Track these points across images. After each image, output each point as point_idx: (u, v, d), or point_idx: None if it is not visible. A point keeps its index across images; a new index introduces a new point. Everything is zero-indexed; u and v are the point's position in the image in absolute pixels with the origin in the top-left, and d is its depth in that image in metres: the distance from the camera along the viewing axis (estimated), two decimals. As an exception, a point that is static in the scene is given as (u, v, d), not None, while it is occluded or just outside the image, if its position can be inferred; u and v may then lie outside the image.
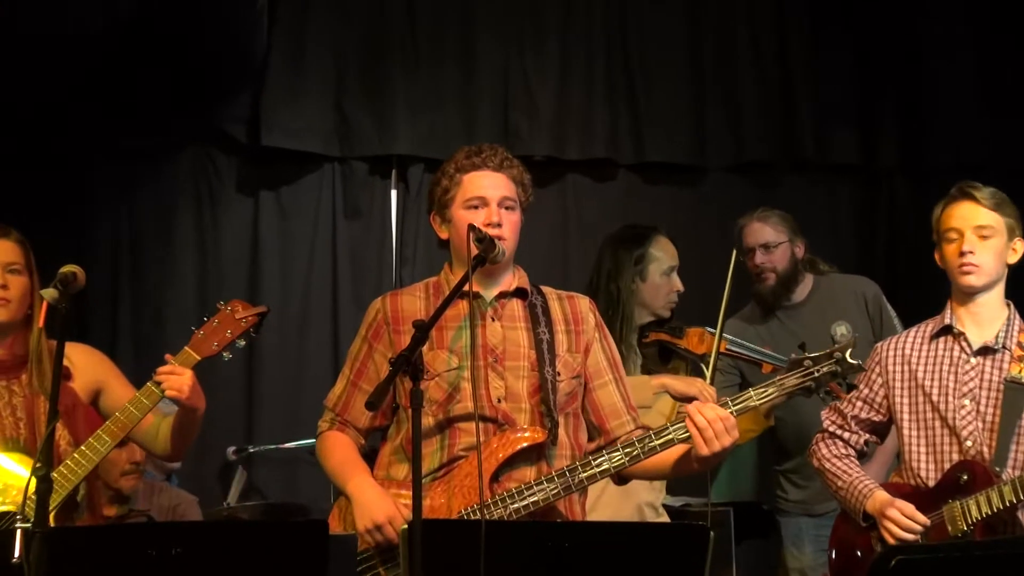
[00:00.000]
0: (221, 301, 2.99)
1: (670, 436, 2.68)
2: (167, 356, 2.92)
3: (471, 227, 2.68)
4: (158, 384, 2.86)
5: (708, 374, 3.61)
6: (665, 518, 3.70)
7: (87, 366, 3.02)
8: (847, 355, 2.68)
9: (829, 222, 5.47)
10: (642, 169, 5.39)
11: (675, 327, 3.74)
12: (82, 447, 2.83)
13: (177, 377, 2.86)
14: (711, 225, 5.03)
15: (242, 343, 2.95)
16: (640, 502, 3.58)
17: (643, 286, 3.69)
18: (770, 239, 4.14)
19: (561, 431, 2.74)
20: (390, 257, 5.22)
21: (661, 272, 3.70)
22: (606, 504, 3.40)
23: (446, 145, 4.96)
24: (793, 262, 4.15)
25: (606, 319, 3.65)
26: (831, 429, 3.27)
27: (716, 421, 2.61)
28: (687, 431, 2.65)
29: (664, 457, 2.72)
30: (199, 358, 2.90)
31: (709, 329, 3.77)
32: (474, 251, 2.66)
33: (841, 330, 4.00)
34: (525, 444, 2.68)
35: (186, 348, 2.91)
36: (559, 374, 2.77)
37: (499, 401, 2.72)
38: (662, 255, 3.73)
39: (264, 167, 5.15)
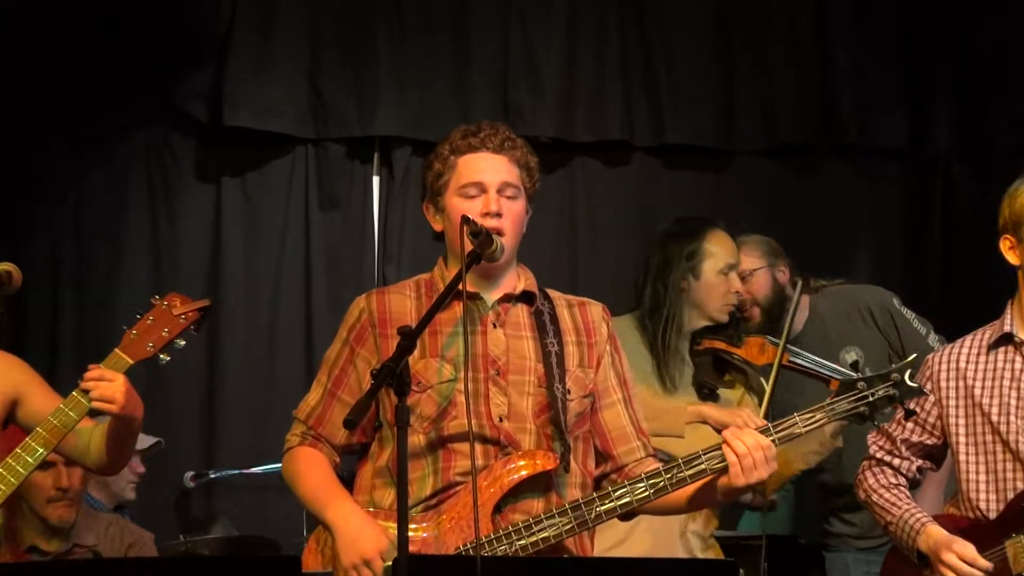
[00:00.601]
0: (156, 295, 2.96)
1: (702, 466, 2.67)
2: (91, 366, 2.87)
3: (465, 219, 2.66)
4: (85, 393, 2.82)
5: (767, 392, 3.58)
6: (717, 551, 3.69)
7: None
8: (906, 377, 2.67)
9: (874, 213, 5.47)
10: (661, 152, 5.38)
11: (732, 334, 3.74)
12: None
13: (107, 384, 2.81)
14: (740, 216, 5.02)
15: (182, 343, 2.92)
16: (686, 530, 3.57)
17: (696, 285, 3.73)
18: (744, 267, 4.14)
19: (571, 457, 2.72)
20: (371, 253, 5.21)
21: (717, 270, 3.73)
22: (644, 532, 3.39)
23: (436, 125, 4.96)
24: (776, 289, 4.13)
25: (650, 322, 3.70)
26: (878, 455, 3.25)
27: (756, 449, 2.62)
28: (721, 461, 2.64)
29: (682, 489, 2.71)
30: (132, 362, 2.86)
31: (770, 339, 3.77)
32: (469, 247, 2.64)
33: (851, 357, 3.97)
34: (536, 470, 2.66)
35: (116, 350, 2.86)
36: (569, 392, 2.76)
37: (500, 420, 2.71)
38: (718, 250, 3.75)
39: (227, 150, 5.15)
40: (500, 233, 2.72)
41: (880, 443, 3.27)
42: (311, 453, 2.80)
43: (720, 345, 3.74)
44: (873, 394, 2.67)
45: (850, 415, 2.69)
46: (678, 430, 3.47)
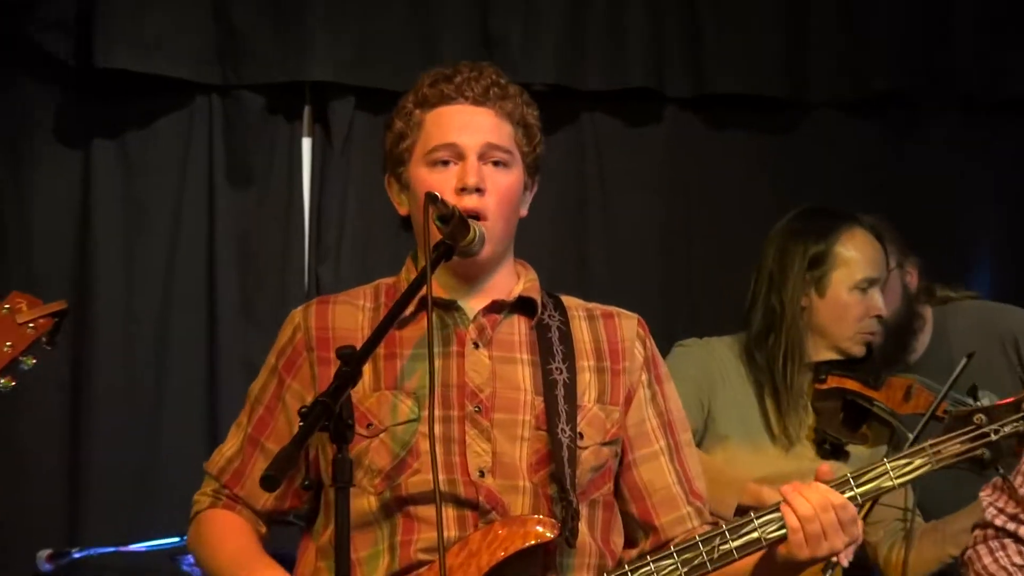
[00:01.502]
0: None
1: (754, 535, 2.69)
2: None
3: (429, 196, 2.66)
4: None
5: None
6: None
7: None
8: None
9: (1004, 191, 5.47)
10: (701, 105, 5.42)
11: (869, 372, 3.75)
12: None
13: None
14: (811, 190, 5.03)
15: (31, 362, 2.95)
16: None
17: (820, 304, 3.79)
18: None
19: (583, 527, 2.72)
20: (301, 247, 5.20)
21: (851, 285, 3.78)
22: None
23: (391, 68, 5.01)
24: (907, 301, 4.15)
25: (763, 348, 3.77)
26: (997, 522, 3.29)
27: (826, 510, 2.64)
28: (781, 527, 2.66)
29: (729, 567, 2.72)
30: None
31: (922, 380, 3.79)
32: (436, 235, 2.64)
33: (983, 402, 3.98)
34: (528, 544, 2.64)
35: None
36: (581, 436, 2.75)
37: (482, 475, 2.70)
38: (855, 258, 3.79)
39: (101, 102, 5.14)
40: (479, 216, 2.75)
41: (1000, 504, 3.31)
42: (227, 517, 2.85)
43: (851, 385, 3.76)
44: (996, 431, 2.71)
45: (964, 459, 2.69)
46: (725, 510, 3.48)
